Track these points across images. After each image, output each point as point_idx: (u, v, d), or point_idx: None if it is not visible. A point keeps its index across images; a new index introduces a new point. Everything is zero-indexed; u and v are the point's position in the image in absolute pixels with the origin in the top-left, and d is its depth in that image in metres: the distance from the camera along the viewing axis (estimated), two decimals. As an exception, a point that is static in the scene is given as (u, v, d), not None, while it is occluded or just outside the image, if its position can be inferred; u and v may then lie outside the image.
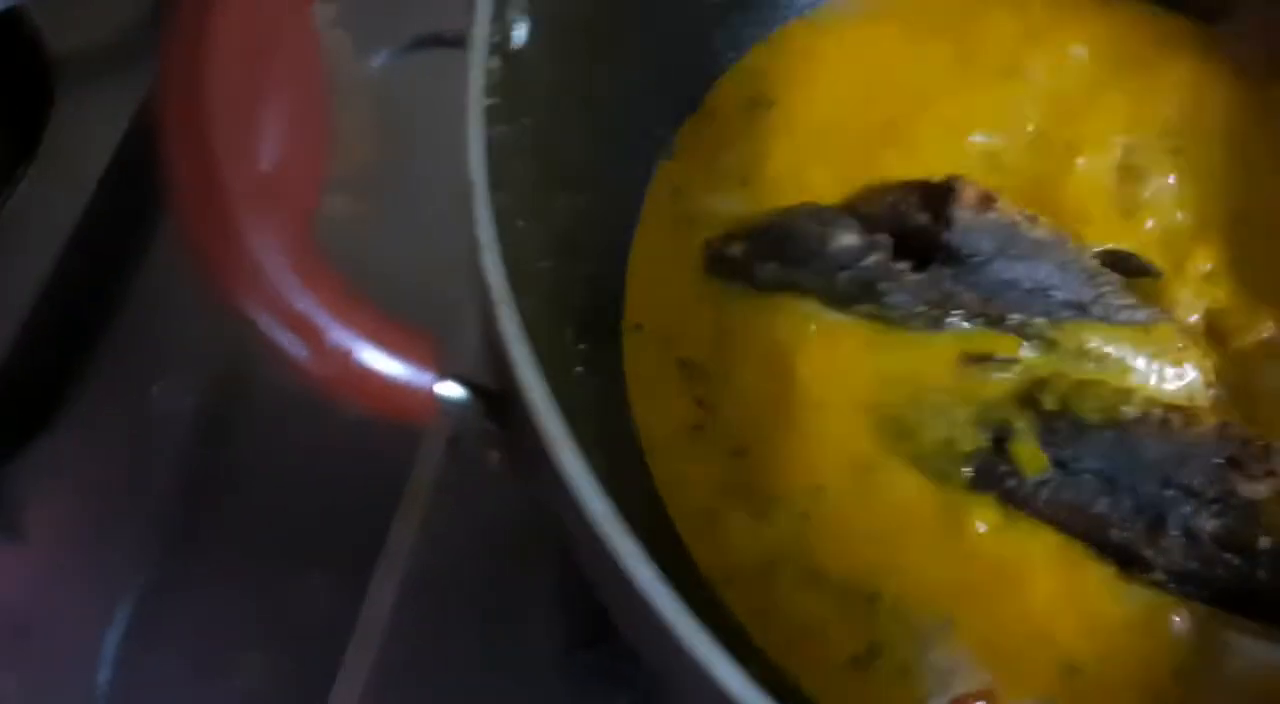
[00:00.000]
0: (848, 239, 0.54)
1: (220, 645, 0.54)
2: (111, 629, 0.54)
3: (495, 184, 0.41)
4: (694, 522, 0.51)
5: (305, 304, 0.30)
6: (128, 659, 0.54)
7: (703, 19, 0.60)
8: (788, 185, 0.57)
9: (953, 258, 0.55)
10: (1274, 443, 0.51)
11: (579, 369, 0.49)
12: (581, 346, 0.50)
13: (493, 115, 0.42)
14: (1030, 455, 0.52)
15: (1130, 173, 0.59)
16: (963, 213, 0.55)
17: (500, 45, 0.43)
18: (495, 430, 0.34)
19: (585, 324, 0.50)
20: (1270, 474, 0.51)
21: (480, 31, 0.37)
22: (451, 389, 0.33)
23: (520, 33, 0.44)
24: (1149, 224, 0.58)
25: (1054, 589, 0.51)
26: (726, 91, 0.61)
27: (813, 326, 0.55)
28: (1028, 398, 0.53)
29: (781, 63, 0.61)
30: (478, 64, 0.36)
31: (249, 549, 0.56)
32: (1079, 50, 0.62)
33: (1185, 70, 0.62)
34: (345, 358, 0.30)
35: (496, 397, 0.33)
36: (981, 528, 0.52)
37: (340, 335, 0.30)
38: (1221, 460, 0.51)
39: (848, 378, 0.54)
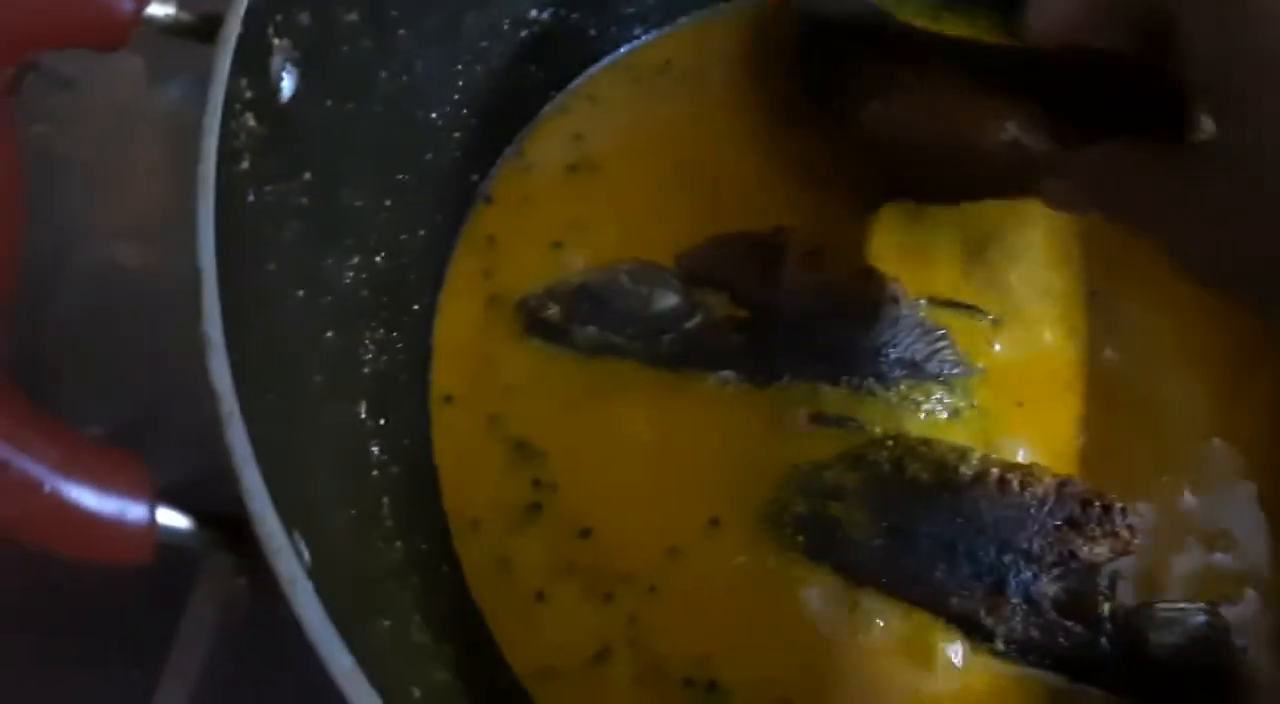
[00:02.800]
0: (669, 300, 0.51)
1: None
2: None
3: (255, 258, 0.37)
4: (514, 610, 0.47)
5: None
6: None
7: (518, 52, 0.55)
8: (613, 243, 0.53)
9: (781, 318, 0.52)
10: (1114, 502, 0.49)
11: (374, 449, 0.45)
12: (380, 422, 0.45)
13: (256, 177, 0.38)
14: (862, 521, 0.49)
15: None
16: (791, 271, 0.52)
17: (264, 100, 0.38)
18: (236, 557, 0.30)
19: (380, 397, 0.46)
20: (1111, 535, 0.49)
21: (217, 92, 0.31)
22: (173, 518, 0.28)
23: (289, 82, 0.39)
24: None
25: (897, 666, 0.48)
26: (547, 147, 0.56)
27: (646, 389, 0.51)
28: (861, 459, 0.51)
29: (607, 128, 0.57)
30: (212, 130, 0.31)
31: (34, 646, 0.51)
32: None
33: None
34: (28, 492, 0.25)
35: (230, 522, 0.29)
36: (818, 601, 0.49)
37: (22, 465, 0.25)
38: (1060, 522, 0.49)
39: (690, 439, 0.50)
